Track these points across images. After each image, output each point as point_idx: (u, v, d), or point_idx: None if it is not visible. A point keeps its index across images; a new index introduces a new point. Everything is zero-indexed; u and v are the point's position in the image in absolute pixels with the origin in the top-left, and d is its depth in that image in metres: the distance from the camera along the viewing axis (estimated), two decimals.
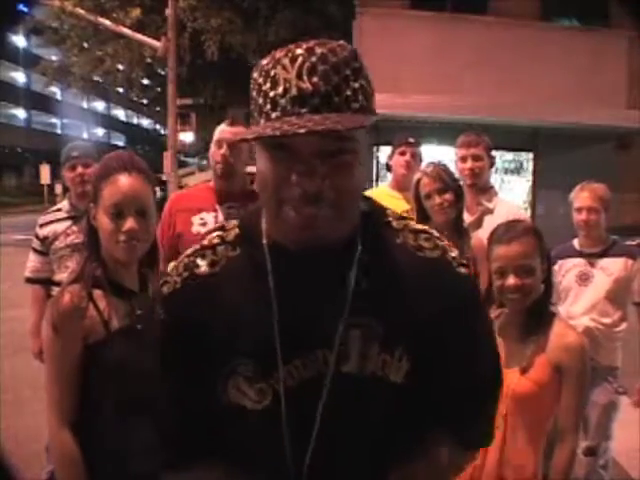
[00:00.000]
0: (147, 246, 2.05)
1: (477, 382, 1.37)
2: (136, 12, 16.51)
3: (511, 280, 2.32)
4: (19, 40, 41.23)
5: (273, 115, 1.14)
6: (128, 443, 1.87)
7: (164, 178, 16.18)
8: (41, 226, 3.85)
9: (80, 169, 3.77)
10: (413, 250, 1.33)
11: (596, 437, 3.64)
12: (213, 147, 3.44)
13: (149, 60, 17.77)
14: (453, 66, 11.97)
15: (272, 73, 1.15)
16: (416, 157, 4.09)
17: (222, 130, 3.43)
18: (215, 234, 1.37)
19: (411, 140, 4.12)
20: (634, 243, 5.50)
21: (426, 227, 1.40)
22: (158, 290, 1.37)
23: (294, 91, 1.12)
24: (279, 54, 1.17)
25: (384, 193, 4.03)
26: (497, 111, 11.41)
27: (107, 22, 15.99)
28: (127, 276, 2.06)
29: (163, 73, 19.09)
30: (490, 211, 3.60)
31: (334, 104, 1.13)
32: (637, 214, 11.08)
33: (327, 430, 1.26)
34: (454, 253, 1.36)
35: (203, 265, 1.32)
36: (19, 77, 48.14)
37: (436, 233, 1.39)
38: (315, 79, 1.12)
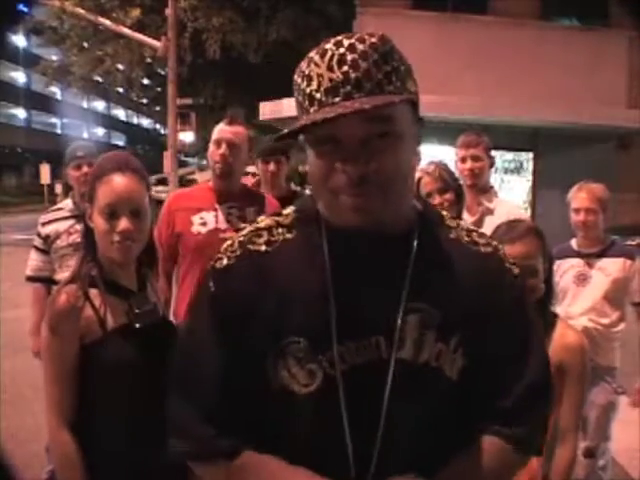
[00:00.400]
0: (142, 246, 2.04)
1: (528, 381, 1.37)
2: (136, 12, 16.58)
3: None
4: (19, 40, 41.29)
5: (311, 110, 1.21)
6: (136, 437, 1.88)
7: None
8: (43, 224, 3.85)
9: (85, 168, 3.78)
10: (467, 244, 1.38)
11: (595, 438, 3.63)
12: (212, 147, 3.43)
13: (149, 60, 17.79)
14: (453, 66, 11.98)
15: (307, 72, 1.22)
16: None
17: (221, 130, 3.42)
18: (270, 218, 1.40)
19: None
20: (634, 243, 5.51)
21: (478, 229, 1.47)
22: (209, 266, 1.37)
23: (326, 83, 1.18)
24: (312, 53, 1.23)
25: None
26: (497, 111, 11.41)
27: (107, 22, 16.01)
28: (124, 275, 2.05)
29: (163, 73, 19.13)
30: (490, 211, 3.61)
31: (366, 89, 1.17)
32: (637, 214, 11.07)
33: (388, 418, 1.26)
34: (505, 253, 1.42)
35: (259, 244, 1.35)
36: (19, 77, 48.14)
37: (487, 234, 1.46)
38: (345, 68, 1.17)
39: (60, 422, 1.93)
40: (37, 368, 2.98)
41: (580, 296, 3.79)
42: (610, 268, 3.77)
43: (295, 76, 1.26)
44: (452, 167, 3.46)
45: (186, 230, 3.33)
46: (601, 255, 3.79)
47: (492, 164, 3.78)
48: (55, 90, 38.56)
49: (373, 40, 1.20)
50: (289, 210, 1.41)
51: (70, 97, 40.29)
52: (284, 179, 4.40)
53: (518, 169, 13.70)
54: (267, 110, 13.84)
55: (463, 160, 3.67)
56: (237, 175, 3.48)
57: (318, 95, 1.19)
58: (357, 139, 1.19)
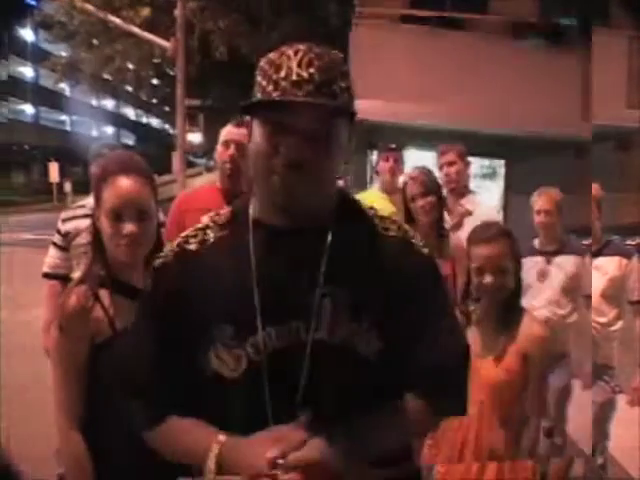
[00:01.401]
0: (149, 247, 2.04)
1: (444, 352, 1.48)
2: (145, 11, 16.62)
3: (488, 278, 2.56)
4: (27, 34, 40.62)
5: (274, 94, 1.36)
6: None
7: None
8: (64, 221, 3.83)
9: None
10: (379, 231, 1.53)
11: (595, 436, 3.80)
12: (220, 148, 3.51)
13: (158, 60, 17.81)
14: (437, 78, 12.08)
15: (277, 62, 1.37)
16: (399, 162, 4.38)
17: (229, 131, 3.49)
18: (209, 217, 1.57)
19: (392, 146, 4.44)
20: (634, 243, 5.66)
21: (392, 216, 1.64)
22: (152, 265, 1.56)
23: (294, 76, 1.34)
24: (284, 48, 1.39)
25: (374, 195, 4.33)
26: (483, 119, 11.51)
27: (117, 20, 16.02)
28: (134, 275, 2.05)
29: (172, 73, 19.14)
30: (470, 213, 3.84)
31: (325, 94, 1.35)
32: (637, 214, 11.13)
33: (308, 397, 1.38)
34: (417, 236, 1.57)
35: (193, 243, 1.51)
36: (27, 72, 46.77)
37: (401, 221, 1.62)
38: (312, 70, 1.34)
39: (69, 423, 1.97)
40: (38, 368, 3.01)
41: (540, 290, 3.99)
42: (607, 267, 3.93)
43: (262, 62, 1.42)
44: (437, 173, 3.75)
45: None
46: (558, 252, 4.01)
47: (467, 167, 4.11)
48: (64, 87, 38.26)
49: (337, 58, 1.41)
50: (226, 209, 1.59)
51: (79, 94, 39.90)
52: None
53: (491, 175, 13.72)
54: None
55: (440, 167, 4.03)
56: (244, 175, 3.52)
57: (284, 83, 1.34)
58: (306, 132, 1.35)
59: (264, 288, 1.41)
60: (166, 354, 1.48)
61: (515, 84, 12.11)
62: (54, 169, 31.04)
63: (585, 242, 4.20)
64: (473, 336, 2.63)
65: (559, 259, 4.05)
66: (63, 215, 3.89)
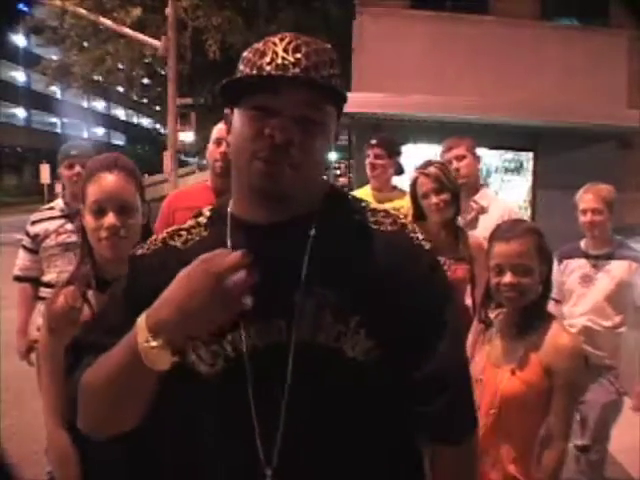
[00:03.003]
0: (132, 242, 2.01)
1: (444, 362, 1.36)
2: (137, 11, 16.57)
3: (507, 278, 2.33)
4: (19, 39, 41.21)
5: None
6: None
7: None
8: (33, 223, 3.83)
9: (78, 168, 3.74)
10: (371, 225, 1.41)
11: (593, 436, 3.63)
12: (212, 146, 3.44)
13: (149, 59, 17.77)
14: (452, 66, 11.96)
15: (262, 48, 1.31)
16: (382, 157, 4.17)
17: (221, 129, 3.39)
18: (193, 218, 1.50)
19: (372, 141, 4.25)
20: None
21: (387, 208, 1.50)
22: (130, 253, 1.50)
23: (280, 60, 1.27)
24: (270, 37, 1.34)
25: (364, 193, 4.16)
26: (496, 110, 11.40)
27: (108, 22, 15.99)
28: (121, 274, 2.05)
29: (163, 73, 19.12)
30: (484, 210, 3.64)
31: (310, 76, 1.28)
32: (638, 214, 11.07)
33: (293, 397, 1.30)
34: (415, 229, 1.42)
35: (176, 241, 1.45)
36: (19, 76, 48.07)
37: (397, 213, 1.48)
38: (298, 55, 1.28)
39: (58, 421, 1.96)
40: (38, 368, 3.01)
41: (583, 297, 3.79)
42: (615, 270, 3.76)
43: (245, 53, 1.35)
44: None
45: None
46: (609, 256, 3.78)
47: (478, 161, 3.84)
48: (55, 90, 38.49)
49: (325, 46, 1.34)
50: (208, 209, 1.53)
51: (70, 97, 40.22)
52: None
53: (518, 169, 13.69)
54: None
55: (449, 162, 3.72)
56: None
57: (268, 68, 1.27)
58: (293, 115, 1.28)
59: None
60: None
61: (544, 69, 11.99)
62: (45, 171, 31.69)
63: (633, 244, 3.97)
64: (491, 343, 2.45)
65: (607, 264, 3.79)
66: (32, 217, 3.90)
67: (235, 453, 1.35)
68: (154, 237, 1.49)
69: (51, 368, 1.98)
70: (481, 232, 3.14)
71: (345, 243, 1.37)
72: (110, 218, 1.98)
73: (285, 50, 1.28)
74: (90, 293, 2.00)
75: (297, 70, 1.26)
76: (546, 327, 2.34)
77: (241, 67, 1.34)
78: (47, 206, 3.97)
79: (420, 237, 1.41)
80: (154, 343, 1.21)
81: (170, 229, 1.49)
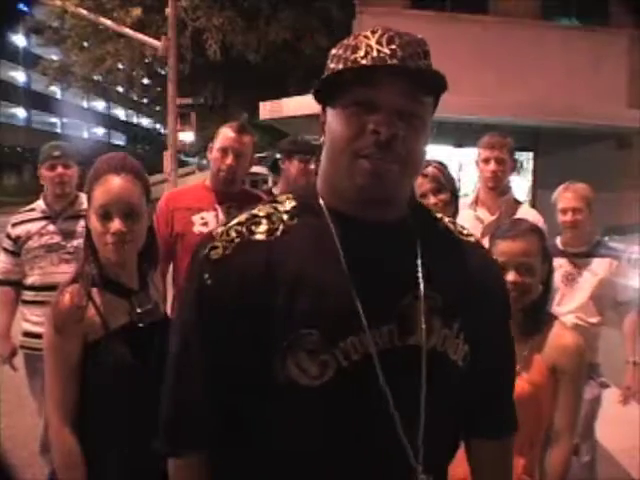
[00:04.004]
0: (138, 245, 2.05)
1: (507, 365, 1.50)
2: (137, 11, 16.57)
3: (511, 276, 2.31)
4: (19, 40, 41.12)
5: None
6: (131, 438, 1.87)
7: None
8: (14, 225, 3.76)
9: (60, 169, 3.70)
10: (457, 233, 1.43)
11: (581, 433, 3.62)
12: (217, 152, 3.37)
13: (149, 59, 17.77)
14: (453, 65, 11.94)
15: (353, 43, 1.26)
16: None
17: (229, 137, 3.36)
18: (268, 205, 1.35)
19: None
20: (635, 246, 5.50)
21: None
22: (202, 256, 1.29)
23: (375, 53, 1.22)
24: (359, 33, 1.28)
25: None
26: (496, 110, 11.39)
27: (108, 22, 15.96)
28: (126, 275, 2.06)
29: (163, 73, 19.11)
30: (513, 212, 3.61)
31: (410, 65, 1.22)
32: (637, 214, 11.06)
33: (428, 405, 1.28)
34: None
35: (259, 232, 1.29)
36: (19, 77, 48.02)
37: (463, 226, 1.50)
38: (393, 46, 1.22)
39: (62, 420, 1.94)
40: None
41: (568, 296, 3.79)
42: (597, 268, 3.77)
43: (333, 51, 1.30)
44: (452, 167, 3.46)
45: (188, 230, 3.30)
46: (589, 255, 3.79)
47: (514, 167, 3.80)
48: (55, 90, 38.46)
49: (418, 37, 1.28)
50: (284, 197, 1.38)
51: (70, 97, 40.25)
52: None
53: (518, 169, 13.68)
54: (267, 110, 13.82)
55: (486, 161, 3.64)
56: (239, 181, 3.48)
57: (364, 61, 1.22)
58: (395, 108, 1.22)
59: (359, 287, 1.25)
60: (225, 368, 1.27)
61: (544, 69, 11.96)
62: None
63: (620, 243, 3.99)
64: None
65: (588, 262, 3.80)
66: (13, 219, 3.82)
67: (383, 462, 1.27)
68: (222, 230, 1.31)
69: (56, 367, 1.96)
70: None
71: (441, 248, 1.37)
72: (116, 224, 1.96)
73: (379, 42, 1.22)
74: (95, 292, 1.99)
75: (395, 61, 1.21)
76: (548, 327, 2.34)
77: (332, 65, 1.28)
78: (27, 208, 3.89)
79: (491, 253, 1.50)
80: None
81: (242, 218, 1.32)
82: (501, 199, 3.67)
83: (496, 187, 3.64)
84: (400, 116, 1.22)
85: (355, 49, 1.24)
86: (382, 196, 1.26)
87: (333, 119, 1.28)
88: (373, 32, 1.25)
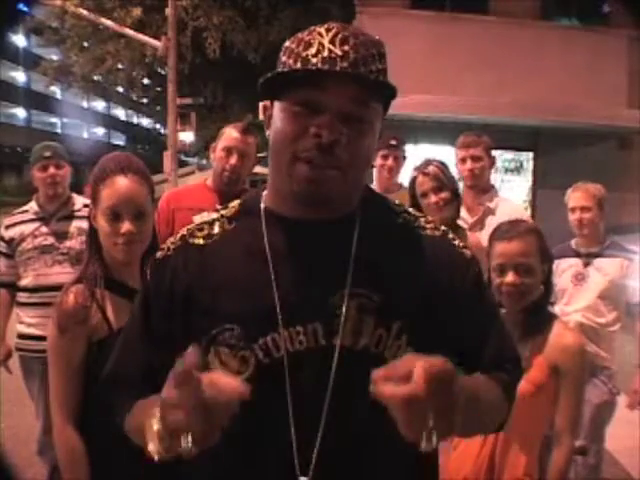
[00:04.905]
0: (145, 246, 2.06)
1: (501, 356, 1.38)
2: (137, 11, 16.56)
3: (509, 277, 2.31)
4: (19, 40, 41.15)
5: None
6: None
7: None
8: (7, 227, 3.77)
9: (52, 170, 3.71)
10: (415, 229, 1.37)
11: (588, 436, 3.61)
12: (220, 152, 3.39)
13: (149, 59, 17.76)
14: (452, 65, 11.96)
15: (307, 39, 1.23)
16: (399, 160, 4.08)
17: (233, 137, 3.37)
18: (217, 211, 1.42)
19: (393, 142, 4.07)
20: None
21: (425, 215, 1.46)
22: (152, 256, 1.43)
23: (326, 52, 1.19)
24: (316, 27, 1.25)
25: None
26: (496, 110, 11.40)
27: (108, 22, 15.95)
28: (129, 275, 2.07)
29: (163, 73, 19.10)
30: (492, 211, 3.59)
31: (360, 71, 1.20)
32: (637, 214, 11.05)
33: (331, 403, 1.24)
34: (455, 237, 1.40)
35: (198, 237, 1.37)
36: (19, 77, 48.00)
37: (432, 219, 1.45)
38: (346, 47, 1.20)
39: (65, 420, 1.97)
40: None
41: (577, 295, 3.78)
42: (607, 268, 3.76)
43: (287, 43, 1.27)
44: (451, 167, 3.45)
45: None
46: (600, 255, 3.78)
47: (493, 164, 3.77)
48: (55, 90, 38.45)
49: (373, 38, 1.25)
50: (235, 202, 1.43)
51: (70, 97, 40.20)
52: (399, 175, 4.23)
53: (518, 169, 13.69)
54: None
55: (463, 160, 3.65)
56: (242, 181, 3.48)
57: (314, 60, 1.19)
58: (340, 112, 1.20)
59: (281, 285, 1.26)
60: (153, 353, 1.34)
61: (544, 69, 11.96)
62: None
63: (630, 243, 3.97)
64: None
65: (599, 262, 3.80)
66: (6, 221, 3.82)
67: (268, 462, 1.26)
68: (173, 237, 1.42)
69: (60, 367, 1.98)
70: (488, 233, 3.13)
71: (388, 245, 1.33)
72: (127, 225, 1.98)
73: (332, 42, 1.20)
74: (99, 292, 2.01)
75: (345, 64, 1.18)
76: (549, 327, 2.33)
77: (284, 59, 1.26)
78: (20, 209, 3.90)
79: (462, 245, 1.39)
80: (158, 427, 1.09)
81: (190, 226, 1.41)
82: (483, 197, 3.66)
83: (475, 185, 3.64)
84: (346, 119, 1.21)
85: (307, 46, 1.21)
86: (319, 201, 1.25)
87: (277, 115, 1.27)
88: (328, 30, 1.22)
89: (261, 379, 1.23)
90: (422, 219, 1.40)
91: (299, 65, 1.21)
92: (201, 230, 1.38)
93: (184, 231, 1.40)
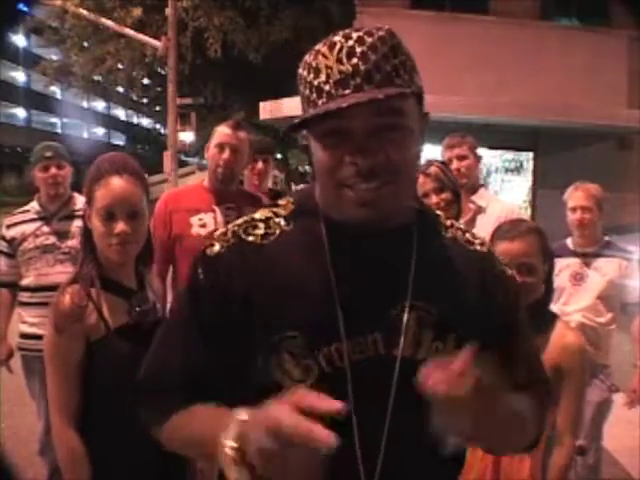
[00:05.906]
0: (140, 246, 2.07)
1: (542, 372, 1.44)
2: (137, 11, 16.58)
3: None
4: (19, 40, 41.17)
5: (320, 102, 1.18)
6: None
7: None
8: (8, 227, 3.77)
9: (53, 170, 3.71)
10: (464, 244, 1.39)
11: (588, 435, 3.61)
12: (213, 149, 3.39)
13: (150, 59, 17.78)
14: (452, 65, 11.96)
15: (314, 64, 1.19)
16: None
17: (225, 134, 3.37)
18: (268, 209, 1.37)
19: None
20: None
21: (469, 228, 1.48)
22: (200, 252, 1.33)
23: (335, 75, 1.16)
24: (318, 46, 1.21)
25: None
26: (496, 110, 11.40)
27: (108, 22, 15.96)
28: (124, 274, 2.08)
29: (163, 73, 19.11)
30: (482, 210, 3.62)
31: (376, 81, 1.16)
32: (637, 214, 11.06)
33: (393, 413, 1.24)
34: (496, 254, 1.43)
35: (254, 235, 1.31)
36: (19, 77, 48.00)
37: (484, 237, 1.47)
38: (354, 60, 1.15)
39: (64, 420, 1.96)
40: None
41: (576, 295, 3.79)
42: (606, 269, 3.76)
43: (300, 69, 1.24)
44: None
45: (186, 232, 3.30)
46: (597, 255, 3.79)
47: (479, 162, 3.83)
48: (55, 90, 38.46)
49: (381, 33, 1.19)
50: (285, 201, 1.38)
51: (70, 97, 40.18)
52: (269, 179, 4.32)
53: (518, 169, 13.70)
54: (267, 110, 13.82)
55: (449, 161, 3.67)
56: (237, 178, 3.48)
57: (327, 87, 1.17)
58: (366, 131, 1.17)
59: (345, 294, 1.24)
60: (202, 353, 1.29)
61: (544, 69, 11.96)
62: None
63: (628, 243, 3.97)
64: None
65: (597, 262, 3.80)
66: (7, 221, 3.82)
67: (333, 471, 1.15)
68: (222, 231, 1.35)
69: (58, 367, 1.97)
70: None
71: (443, 259, 1.34)
72: (121, 225, 1.98)
73: (338, 60, 1.16)
74: (94, 292, 2.00)
75: (358, 80, 1.15)
76: (551, 327, 2.34)
77: (301, 88, 1.24)
78: (21, 209, 3.90)
79: (504, 263, 1.43)
80: (232, 454, 1.04)
81: (240, 221, 1.35)
82: (472, 197, 3.68)
83: (463, 184, 3.64)
84: (377, 131, 1.17)
85: (317, 72, 1.18)
86: (374, 219, 1.22)
87: (313, 145, 1.25)
88: (331, 47, 1.18)
89: (323, 388, 1.17)
90: (468, 234, 1.42)
91: (315, 95, 1.19)
92: (255, 227, 1.32)
93: (234, 227, 1.33)
